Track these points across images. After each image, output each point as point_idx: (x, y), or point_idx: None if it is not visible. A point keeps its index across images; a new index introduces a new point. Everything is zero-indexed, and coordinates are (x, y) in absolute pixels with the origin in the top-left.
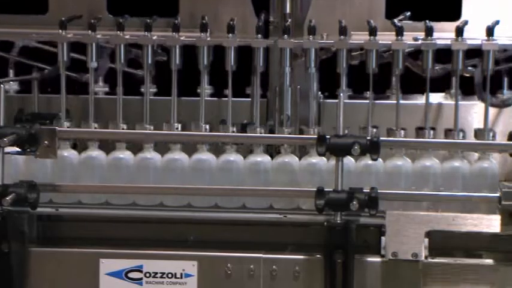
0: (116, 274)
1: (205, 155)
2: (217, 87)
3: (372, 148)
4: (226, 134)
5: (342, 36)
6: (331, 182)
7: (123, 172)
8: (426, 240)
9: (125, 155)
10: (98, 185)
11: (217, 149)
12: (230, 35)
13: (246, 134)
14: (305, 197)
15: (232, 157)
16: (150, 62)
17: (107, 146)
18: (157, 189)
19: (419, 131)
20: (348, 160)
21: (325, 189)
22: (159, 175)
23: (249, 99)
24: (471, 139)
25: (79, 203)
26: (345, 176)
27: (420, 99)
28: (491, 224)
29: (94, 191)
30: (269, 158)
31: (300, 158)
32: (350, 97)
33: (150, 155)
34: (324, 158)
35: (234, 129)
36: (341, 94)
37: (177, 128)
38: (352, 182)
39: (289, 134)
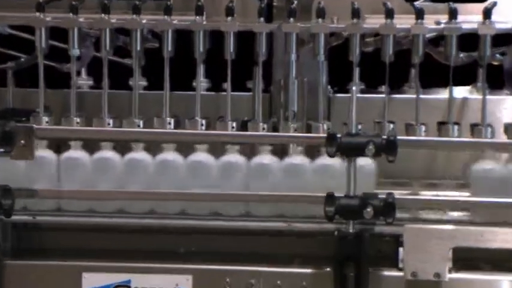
0: None
1: (202, 156)
2: (214, 81)
3: (389, 148)
4: (225, 132)
5: (354, 20)
6: (342, 186)
7: (110, 175)
8: (450, 257)
9: (112, 155)
10: (81, 190)
11: (216, 149)
12: (229, 18)
13: (246, 132)
14: (313, 202)
15: (234, 158)
16: (139, 49)
17: (92, 145)
18: (148, 194)
19: (442, 126)
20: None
21: (336, 195)
22: (151, 178)
23: (250, 93)
24: (501, 137)
25: (59, 210)
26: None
27: (442, 94)
28: None
29: (76, 197)
30: (274, 159)
31: (309, 158)
32: (363, 92)
33: (140, 155)
34: (338, 160)
35: (234, 125)
36: (354, 87)
37: (169, 124)
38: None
39: (295, 132)
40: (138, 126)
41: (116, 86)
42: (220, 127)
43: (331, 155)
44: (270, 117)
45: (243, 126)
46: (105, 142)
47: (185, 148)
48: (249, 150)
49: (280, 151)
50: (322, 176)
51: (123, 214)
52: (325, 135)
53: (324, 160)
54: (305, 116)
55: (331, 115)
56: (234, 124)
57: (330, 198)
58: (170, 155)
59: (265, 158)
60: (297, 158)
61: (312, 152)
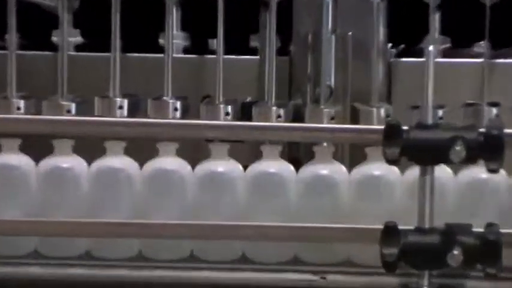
0: None
1: (171, 164)
2: (197, 36)
3: (490, 149)
4: (213, 122)
5: None
6: (409, 213)
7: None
8: None
9: (63, 161)
10: (20, 220)
11: (196, 150)
12: None
13: (249, 122)
14: (359, 240)
15: (222, 167)
16: None
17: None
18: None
19: None
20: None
21: (400, 227)
22: (89, 195)
23: (256, 57)
24: None
25: None
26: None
27: None
28: None
29: (11, 232)
30: (290, 167)
31: (349, 166)
32: (446, 54)
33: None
34: (395, 168)
35: (229, 111)
36: (430, 46)
37: (120, 107)
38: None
39: (331, 120)
40: (69, 111)
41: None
42: (206, 113)
43: (392, 160)
44: (290, 97)
45: (243, 111)
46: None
47: (145, 149)
48: (250, 152)
49: (296, 151)
50: (373, 195)
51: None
52: (381, 127)
53: (376, 168)
54: (348, 94)
55: (393, 93)
56: (229, 108)
57: (389, 232)
58: (117, 161)
59: (274, 166)
60: (326, 166)
61: (355, 154)
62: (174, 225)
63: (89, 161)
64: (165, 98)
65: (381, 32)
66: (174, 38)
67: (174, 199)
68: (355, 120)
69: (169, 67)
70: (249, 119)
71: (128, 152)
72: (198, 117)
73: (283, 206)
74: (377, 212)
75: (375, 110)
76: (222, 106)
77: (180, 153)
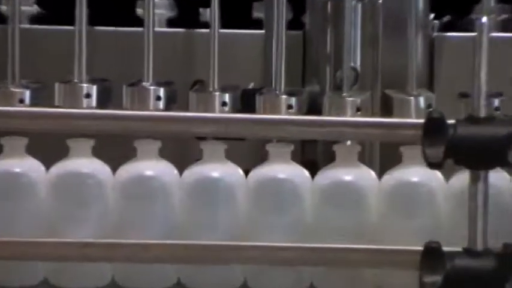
0: None
1: (153, 167)
2: (186, 6)
3: None
4: (206, 115)
5: None
6: (457, 230)
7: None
8: None
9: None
10: None
11: (184, 150)
12: None
13: (252, 115)
14: (393, 265)
15: (218, 171)
16: None
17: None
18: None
19: None
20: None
21: (446, 248)
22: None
23: (261, 31)
24: None
25: None
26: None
27: None
28: None
29: None
30: (305, 172)
31: (379, 171)
32: (504, 27)
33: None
34: (437, 173)
35: (226, 100)
36: (484, 18)
37: (87, 97)
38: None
39: (357, 112)
40: (21, 101)
41: None
42: (197, 103)
43: (435, 163)
44: (303, 83)
45: (245, 101)
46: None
47: (120, 149)
48: (253, 152)
49: (312, 152)
50: (409, 208)
51: None
52: (421, 120)
53: (413, 173)
54: (379, 79)
55: (435, 77)
56: (227, 97)
57: (432, 254)
58: (83, 164)
59: (284, 170)
60: (350, 170)
61: (387, 156)
62: (156, 246)
63: (47, 163)
64: (144, 83)
65: None
66: (156, 6)
67: (156, 212)
68: (387, 111)
69: (150, 44)
70: (252, 110)
71: (97, 152)
72: (186, 109)
73: (295, 221)
74: (415, 228)
75: (412, 99)
76: (217, 94)
77: (164, 154)
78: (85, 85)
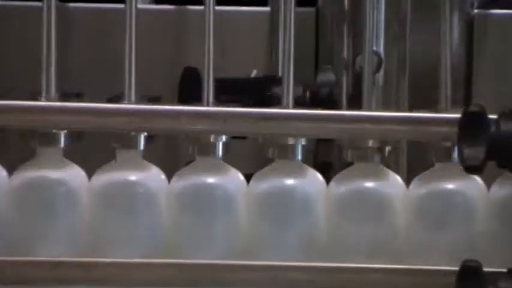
0: None
1: (135, 171)
2: None
3: None
4: (200, 109)
5: None
6: (499, 247)
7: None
8: None
9: None
10: None
11: (173, 151)
12: None
13: (254, 109)
14: (424, 286)
15: (214, 177)
16: None
17: None
18: None
19: None
20: None
21: (486, 269)
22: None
23: (266, 8)
24: None
25: None
26: None
27: None
28: None
29: None
30: (318, 177)
31: (406, 176)
32: None
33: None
34: (477, 179)
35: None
36: None
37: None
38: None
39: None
40: None
41: None
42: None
43: (473, 167)
44: (316, 71)
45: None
46: None
47: (96, 149)
48: (256, 154)
49: (327, 153)
50: (443, 220)
51: None
52: (456, 115)
53: (446, 179)
54: (406, 66)
55: (475, 64)
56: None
57: (470, 275)
58: (53, 169)
59: (293, 175)
60: (371, 176)
61: (416, 158)
62: (140, 265)
63: (10, 169)
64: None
65: None
66: None
67: (140, 226)
68: (415, 104)
69: (132, 24)
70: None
71: (69, 155)
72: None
73: (307, 235)
74: (450, 245)
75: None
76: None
77: (149, 156)
78: (56, 104)
